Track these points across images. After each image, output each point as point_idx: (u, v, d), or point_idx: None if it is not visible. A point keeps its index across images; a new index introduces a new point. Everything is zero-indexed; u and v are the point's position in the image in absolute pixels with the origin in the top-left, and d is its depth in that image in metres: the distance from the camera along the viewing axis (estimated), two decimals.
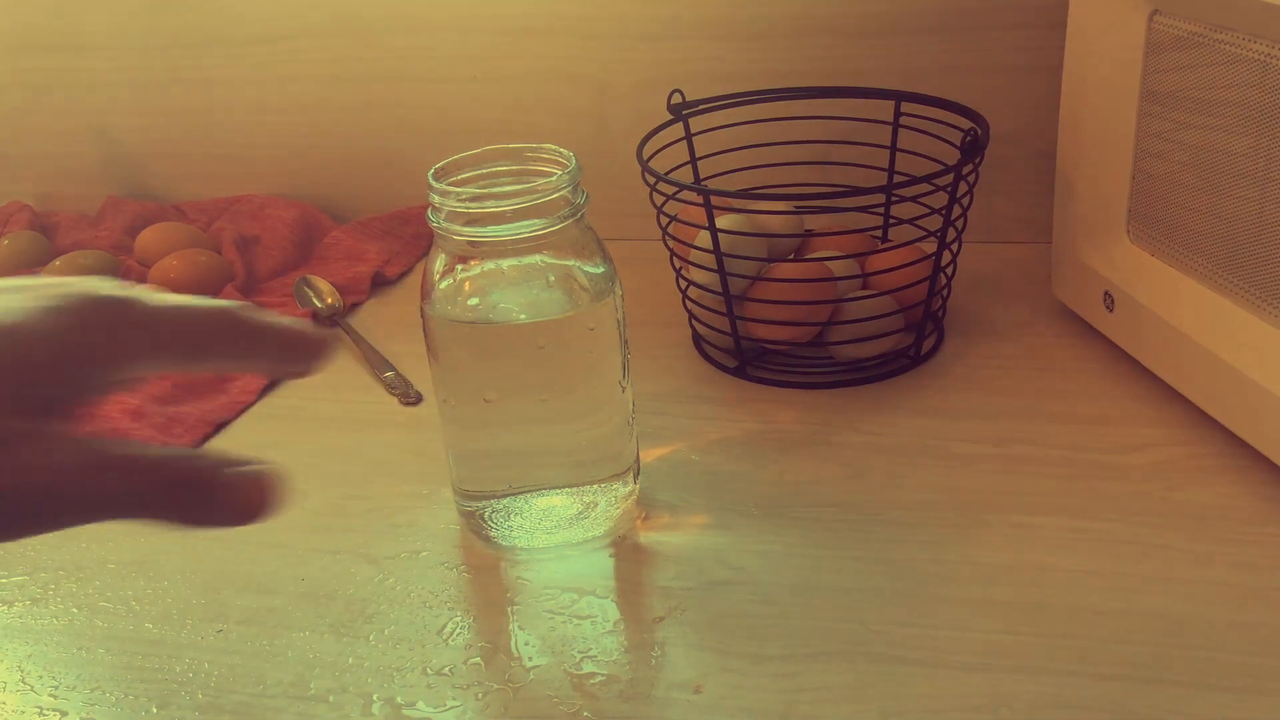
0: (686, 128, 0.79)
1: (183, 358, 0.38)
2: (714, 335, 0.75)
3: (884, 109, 0.80)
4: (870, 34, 0.85)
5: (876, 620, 0.54)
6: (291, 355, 0.40)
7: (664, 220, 0.73)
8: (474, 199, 0.55)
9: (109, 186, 1.06)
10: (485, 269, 0.57)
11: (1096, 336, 0.73)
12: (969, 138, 0.68)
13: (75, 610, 0.59)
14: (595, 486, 0.60)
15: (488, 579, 0.59)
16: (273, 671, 0.54)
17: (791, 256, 0.77)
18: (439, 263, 0.57)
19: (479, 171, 0.57)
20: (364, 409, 0.74)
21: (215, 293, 0.87)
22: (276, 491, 0.40)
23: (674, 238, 0.74)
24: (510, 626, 0.56)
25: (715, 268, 0.71)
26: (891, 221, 0.80)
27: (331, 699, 0.52)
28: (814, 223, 0.81)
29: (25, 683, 0.55)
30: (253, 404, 0.76)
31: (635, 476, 0.62)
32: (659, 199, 0.73)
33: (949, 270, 0.73)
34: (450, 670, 0.53)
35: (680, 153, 0.79)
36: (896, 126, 0.79)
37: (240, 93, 1.00)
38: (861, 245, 0.77)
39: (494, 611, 0.57)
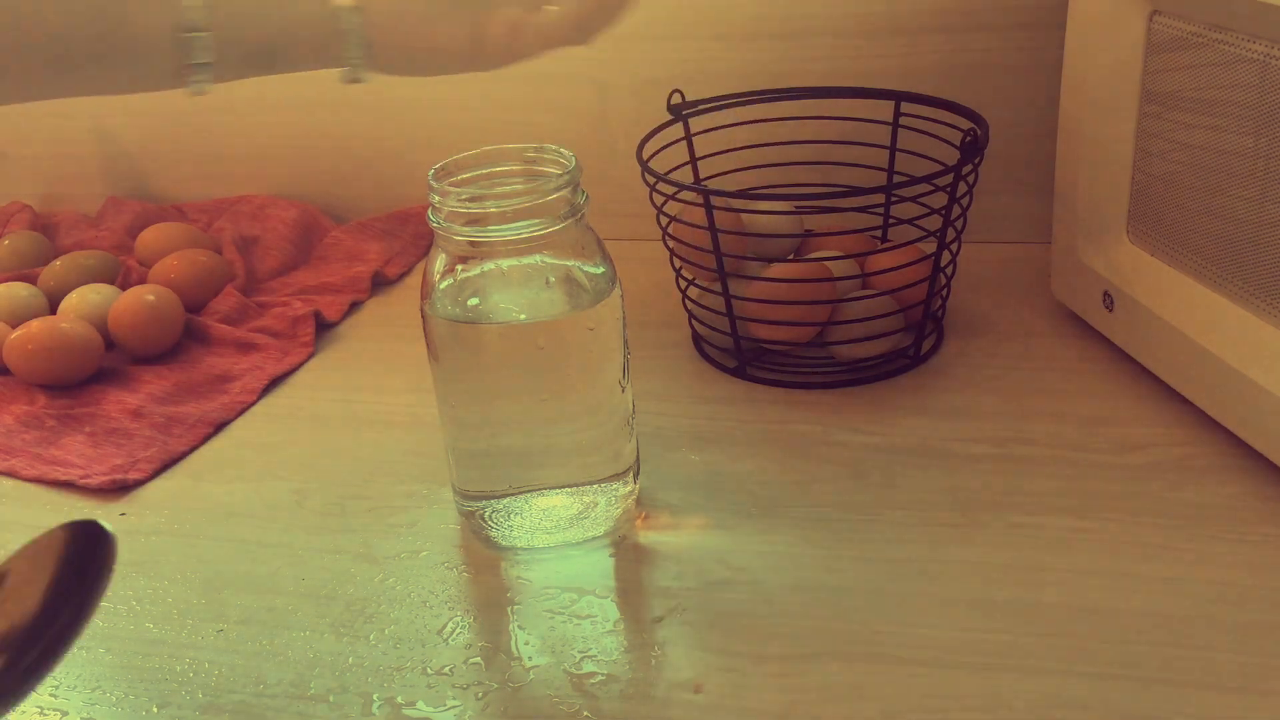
0: (686, 128, 0.79)
1: None
2: (714, 335, 0.75)
3: (884, 109, 0.80)
4: (870, 34, 0.85)
5: (876, 620, 0.54)
6: None
7: (664, 220, 0.73)
8: (474, 199, 0.55)
9: (109, 186, 1.06)
10: (485, 269, 0.57)
11: (1096, 336, 0.73)
12: (969, 138, 0.68)
13: None
14: (595, 486, 0.60)
15: (488, 579, 0.59)
16: (273, 671, 0.54)
17: (791, 256, 0.77)
18: (439, 263, 0.57)
19: (479, 172, 0.57)
20: (364, 409, 0.74)
21: (215, 293, 0.87)
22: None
23: (674, 238, 0.74)
24: (510, 626, 0.56)
25: (715, 268, 0.71)
26: (891, 222, 0.80)
27: (331, 699, 0.52)
28: (814, 223, 0.81)
29: None
30: (253, 404, 0.76)
31: (635, 476, 0.62)
32: (659, 199, 0.73)
33: (949, 270, 0.73)
34: (450, 670, 0.53)
35: (680, 153, 0.79)
36: (896, 127, 0.79)
37: (240, 93, 0.99)
38: (861, 245, 0.77)
39: (494, 611, 0.57)
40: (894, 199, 0.80)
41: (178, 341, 0.82)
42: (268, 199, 1.00)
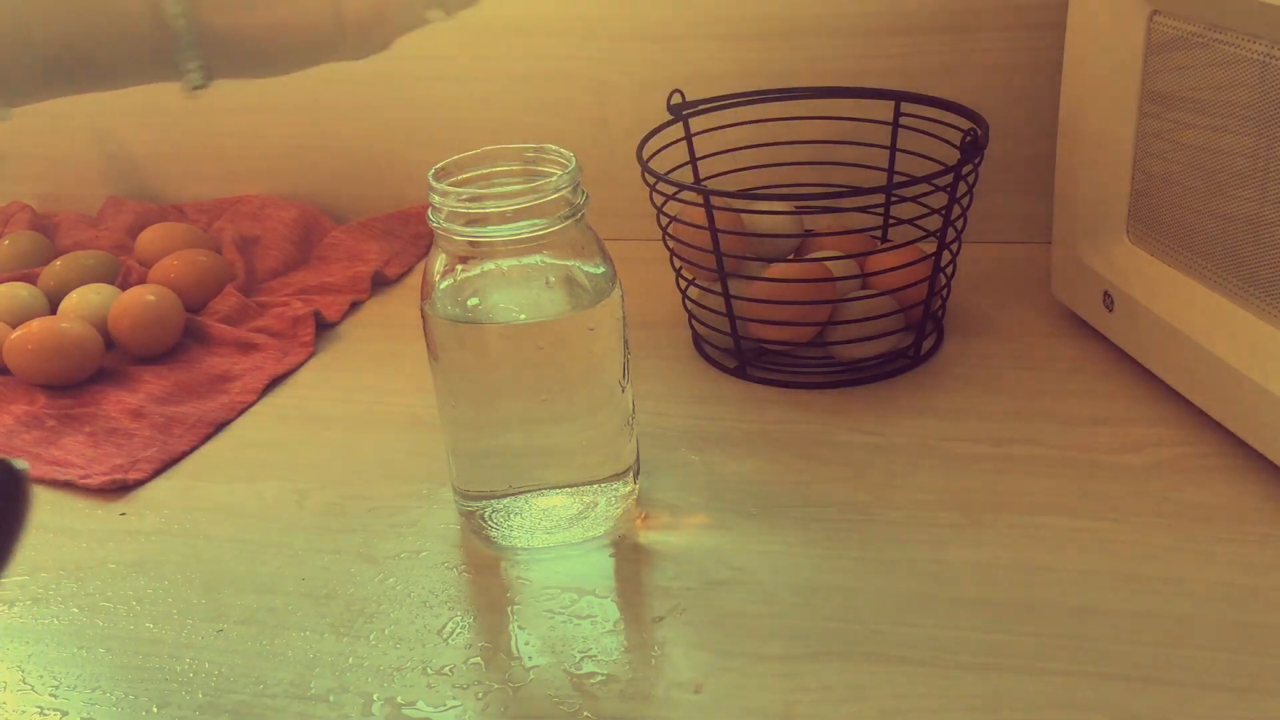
0: (686, 128, 0.79)
1: None
2: (714, 335, 0.75)
3: (884, 109, 0.80)
4: (870, 34, 0.85)
5: (876, 620, 0.54)
6: None
7: (664, 220, 0.73)
8: (474, 199, 0.55)
9: (109, 186, 1.06)
10: (485, 269, 0.57)
11: (1096, 336, 0.73)
12: (969, 138, 0.68)
13: (75, 610, 0.59)
14: (595, 486, 0.60)
15: (488, 579, 0.59)
16: (273, 671, 0.54)
17: (791, 256, 0.77)
18: (439, 263, 0.57)
19: (479, 172, 0.57)
20: (364, 409, 0.74)
21: (215, 293, 0.87)
22: None
23: (674, 238, 0.74)
24: (510, 626, 0.56)
25: (715, 268, 0.71)
26: (891, 222, 0.80)
27: (332, 699, 0.52)
28: (814, 223, 0.81)
29: (25, 682, 0.55)
30: (253, 404, 0.76)
31: (635, 476, 0.62)
32: (659, 199, 0.73)
33: (949, 270, 0.73)
34: (450, 670, 0.53)
35: (680, 153, 0.79)
36: (896, 127, 0.79)
37: (240, 93, 1.00)
38: (861, 245, 0.77)
39: (494, 611, 0.57)
40: (894, 199, 0.80)
41: (178, 341, 0.82)
42: (268, 199, 1.00)
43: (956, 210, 0.70)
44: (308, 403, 0.76)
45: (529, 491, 0.60)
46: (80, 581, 0.61)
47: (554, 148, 0.57)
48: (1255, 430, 0.60)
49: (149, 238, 0.93)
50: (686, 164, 0.80)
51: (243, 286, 0.89)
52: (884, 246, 0.76)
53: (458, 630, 0.56)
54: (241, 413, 0.75)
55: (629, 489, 0.61)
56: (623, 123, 0.91)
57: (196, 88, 0.52)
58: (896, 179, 0.80)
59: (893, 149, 0.80)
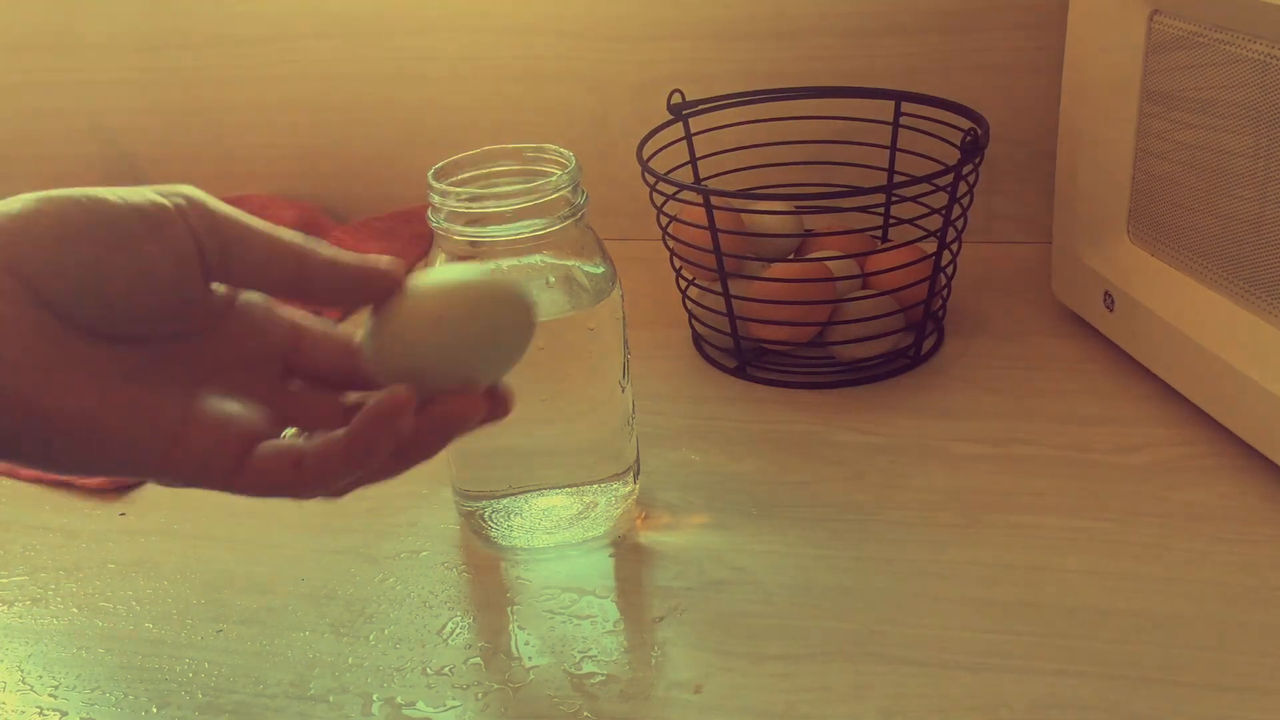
0: (686, 128, 0.79)
1: None
2: (714, 335, 0.75)
3: (884, 109, 0.80)
4: (870, 34, 0.85)
5: (876, 620, 0.54)
6: None
7: (664, 220, 0.73)
8: (474, 199, 0.55)
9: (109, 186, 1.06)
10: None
11: (1096, 336, 0.73)
12: (969, 138, 0.68)
13: (75, 610, 0.59)
14: (595, 486, 0.60)
15: (488, 579, 0.59)
16: (273, 671, 0.54)
17: (791, 256, 0.77)
18: (439, 263, 0.57)
19: (479, 172, 0.57)
20: None
21: None
22: None
23: (674, 238, 0.74)
24: (510, 626, 0.56)
25: (715, 268, 0.71)
26: (891, 221, 0.80)
27: (331, 699, 0.52)
28: (814, 223, 0.81)
29: (25, 683, 0.55)
30: None
31: (635, 476, 0.62)
32: (659, 199, 0.73)
33: (949, 270, 0.73)
34: (450, 670, 0.53)
35: (680, 153, 0.79)
36: (896, 126, 0.79)
37: (240, 93, 1.00)
38: (861, 245, 0.77)
39: (494, 611, 0.57)
40: (894, 199, 0.80)
41: None
42: (268, 199, 1.00)
43: (956, 210, 0.70)
44: None
45: (529, 491, 0.60)
46: (80, 581, 0.61)
47: (554, 148, 0.57)
48: (1255, 430, 0.60)
49: None
50: (686, 164, 0.80)
51: None
52: (884, 246, 0.76)
53: (458, 630, 0.56)
54: None
55: (629, 489, 0.61)
56: (623, 123, 0.91)
57: None
58: (896, 179, 0.80)
59: (893, 149, 0.80)
